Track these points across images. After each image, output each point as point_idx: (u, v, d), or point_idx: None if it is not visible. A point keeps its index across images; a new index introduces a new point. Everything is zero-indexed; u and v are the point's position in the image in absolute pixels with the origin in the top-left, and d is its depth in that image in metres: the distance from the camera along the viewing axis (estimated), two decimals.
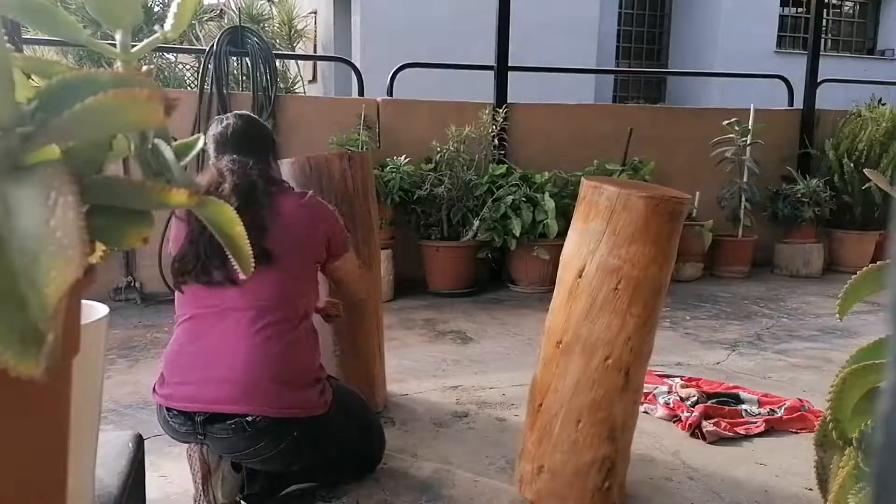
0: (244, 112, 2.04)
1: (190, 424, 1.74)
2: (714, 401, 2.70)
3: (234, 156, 1.83)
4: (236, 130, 1.89)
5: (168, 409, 1.76)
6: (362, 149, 4.40)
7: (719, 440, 2.42)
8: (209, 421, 1.72)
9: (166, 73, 8.17)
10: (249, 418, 1.71)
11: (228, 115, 1.97)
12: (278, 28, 10.36)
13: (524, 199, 4.53)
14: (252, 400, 1.71)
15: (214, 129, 1.92)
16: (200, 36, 8.68)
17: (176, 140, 0.51)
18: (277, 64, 5.06)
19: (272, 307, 1.76)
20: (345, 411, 1.93)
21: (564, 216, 4.37)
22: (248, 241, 0.49)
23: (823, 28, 9.76)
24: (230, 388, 1.70)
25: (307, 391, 1.79)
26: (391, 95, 5.02)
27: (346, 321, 2.49)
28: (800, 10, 13.05)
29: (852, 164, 5.48)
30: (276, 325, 1.76)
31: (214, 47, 4.50)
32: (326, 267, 1.99)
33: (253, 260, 1.65)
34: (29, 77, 0.44)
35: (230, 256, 1.60)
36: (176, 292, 1.84)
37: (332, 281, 2.11)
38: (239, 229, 0.48)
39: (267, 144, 1.96)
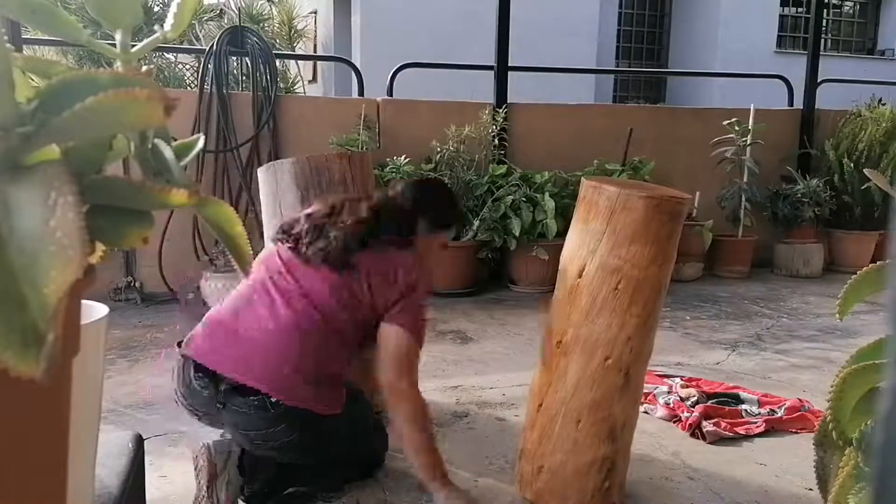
0: (441, 181, 2.23)
1: (212, 389, 1.76)
2: (714, 401, 2.69)
3: (408, 194, 2.00)
4: (418, 183, 2.13)
5: (196, 368, 1.78)
6: (362, 149, 4.40)
7: (719, 440, 2.42)
8: (233, 392, 1.74)
9: (166, 73, 8.17)
10: (273, 399, 1.72)
11: (435, 179, 2.19)
12: (278, 28, 10.36)
13: (524, 199, 4.53)
14: (281, 387, 1.73)
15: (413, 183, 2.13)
16: (200, 36, 8.68)
17: (176, 140, 0.51)
18: (277, 64, 5.06)
19: (326, 307, 1.81)
20: (356, 413, 1.94)
21: (564, 216, 4.36)
22: (248, 241, 0.49)
23: (823, 28, 9.77)
24: (262, 370, 1.73)
25: (330, 390, 1.83)
26: (391, 95, 5.01)
27: None
28: (800, 10, 13.05)
29: (852, 164, 5.48)
30: (321, 324, 1.81)
31: (214, 47, 4.49)
32: (380, 322, 1.90)
33: (321, 255, 1.82)
34: (29, 77, 0.44)
35: (321, 241, 1.79)
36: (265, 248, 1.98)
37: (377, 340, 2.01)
38: (239, 229, 0.48)
39: (437, 217, 2.04)
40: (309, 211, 1.97)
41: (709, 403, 2.65)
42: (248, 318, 1.81)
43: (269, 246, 1.99)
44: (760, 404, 2.71)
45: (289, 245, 1.90)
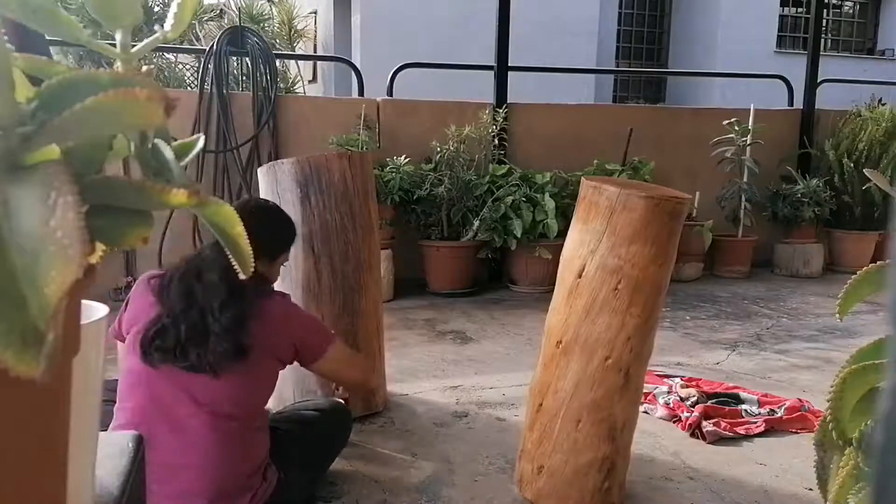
0: (269, 202, 2.03)
1: None
2: (714, 401, 2.70)
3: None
4: (247, 212, 1.83)
5: None
6: (362, 149, 4.40)
7: (719, 440, 2.42)
8: None
9: (166, 73, 8.17)
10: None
11: (251, 199, 1.98)
12: (278, 28, 10.37)
13: (524, 199, 4.53)
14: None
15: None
16: (200, 36, 8.68)
17: (176, 140, 0.51)
18: (277, 64, 5.06)
19: (233, 408, 1.67)
20: (307, 431, 1.94)
21: (564, 216, 4.37)
22: (248, 241, 0.49)
23: (823, 28, 9.77)
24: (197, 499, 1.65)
25: (255, 486, 1.74)
26: (391, 95, 5.01)
27: (345, 321, 2.50)
28: (800, 10, 13.05)
29: (852, 164, 5.48)
30: (233, 426, 1.68)
31: (214, 47, 4.50)
32: (309, 368, 1.88)
33: (226, 356, 1.57)
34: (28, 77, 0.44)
35: (211, 343, 1.51)
36: (125, 366, 1.71)
37: (321, 376, 2.04)
38: (239, 229, 0.48)
39: (274, 245, 1.88)
40: (155, 314, 1.67)
41: (709, 403, 2.65)
42: (165, 458, 1.60)
43: (132, 366, 1.70)
44: (760, 404, 2.71)
45: (182, 363, 1.64)
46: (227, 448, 1.65)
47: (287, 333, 1.78)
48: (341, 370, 1.94)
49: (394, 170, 4.47)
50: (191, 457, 1.63)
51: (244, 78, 4.86)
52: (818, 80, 5.91)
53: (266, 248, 1.82)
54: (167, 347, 1.64)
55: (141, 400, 1.67)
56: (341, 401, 2.13)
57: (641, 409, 2.29)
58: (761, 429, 2.50)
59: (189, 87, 7.57)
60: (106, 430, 1.64)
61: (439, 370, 3.12)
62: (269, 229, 1.87)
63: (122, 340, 1.77)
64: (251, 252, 0.50)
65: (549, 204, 4.51)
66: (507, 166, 4.84)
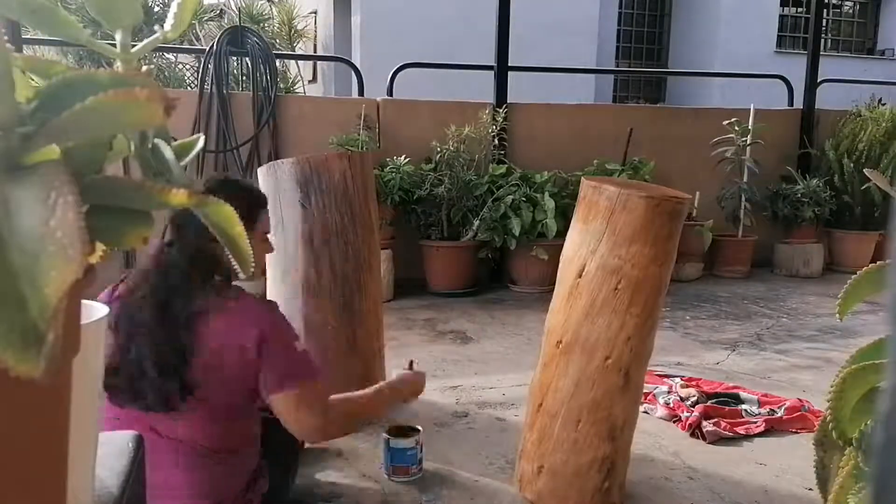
0: (223, 176, 1.79)
1: None
2: (714, 401, 2.70)
3: (166, 245, 1.50)
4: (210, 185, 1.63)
5: None
6: (362, 149, 4.40)
7: (719, 440, 2.42)
8: None
9: (166, 73, 8.17)
10: None
11: (210, 180, 1.69)
12: (278, 28, 10.36)
13: (524, 198, 4.53)
14: None
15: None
16: (200, 36, 8.68)
17: (176, 140, 0.51)
18: (277, 64, 5.06)
19: (211, 443, 1.53)
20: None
21: (564, 216, 4.36)
22: (248, 241, 0.49)
23: (823, 28, 9.77)
24: None
25: (247, 497, 1.64)
26: (391, 95, 5.01)
27: (345, 321, 2.50)
28: (800, 10, 13.05)
29: (852, 164, 5.48)
30: (218, 457, 1.55)
31: (214, 47, 4.50)
32: (267, 399, 1.54)
33: (172, 393, 1.37)
34: (29, 77, 0.44)
35: (157, 383, 1.34)
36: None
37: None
38: (239, 229, 0.48)
39: (246, 208, 1.59)
40: (115, 351, 1.47)
41: (709, 403, 2.65)
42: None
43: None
44: (760, 404, 2.71)
45: (140, 404, 1.46)
46: (205, 480, 1.55)
47: (242, 356, 1.49)
48: (291, 419, 1.54)
49: (394, 170, 4.47)
50: (171, 488, 1.52)
51: (244, 78, 4.86)
52: (818, 80, 5.91)
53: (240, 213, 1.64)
54: (119, 388, 1.46)
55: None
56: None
57: (641, 409, 2.29)
58: (761, 429, 2.50)
59: (189, 87, 7.57)
60: None
61: (439, 370, 3.12)
62: (236, 197, 1.55)
63: None
64: (251, 251, 0.50)
65: (549, 204, 4.51)
66: (507, 166, 4.84)
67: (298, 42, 10.63)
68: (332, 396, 1.61)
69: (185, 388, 1.45)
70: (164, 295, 1.47)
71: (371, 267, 2.57)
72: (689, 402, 2.65)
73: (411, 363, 2.03)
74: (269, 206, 1.83)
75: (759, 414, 2.63)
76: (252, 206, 1.66)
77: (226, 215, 0.47)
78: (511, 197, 4.52)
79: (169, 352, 1.45)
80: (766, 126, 5.35)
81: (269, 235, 1.76)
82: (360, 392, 1.72)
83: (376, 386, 1.79)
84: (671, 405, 2.66)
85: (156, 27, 0.53)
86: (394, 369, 1.96)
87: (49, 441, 0.43)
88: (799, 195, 5.36)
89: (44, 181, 0.32)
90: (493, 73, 5.08)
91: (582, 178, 1.96)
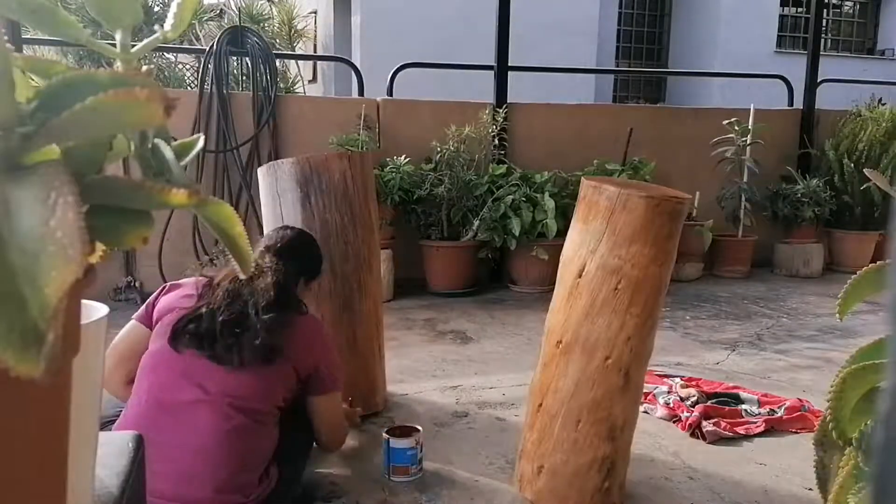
0: (307, 234, 2.13)
1: None
2: (714, 401, 2.70)
3: (278, 260, 1.86)
4: (289, 239, 2.00)
5: None
6: (362, 149, 4.40)
7: (719, 440, 2.42)
8: None
9: (166, 73, 8.17)
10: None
11: (288, 228, 2.10)
12: (278, 28, 10.37)
13: (524, 198, 4.53)
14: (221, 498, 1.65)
15: (273, 235, 2.03)
16: (200, 36, 8.68)
17: (176, 140, 0.51)
18: (277, 64, 5.06)
19: (242, 402, 1.69)
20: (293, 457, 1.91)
21: (564, 216, 4.36)
22: (248, 241, 0.49)
23: (823, 28, 9.77)
24: (201, 490, 1.64)
25: (259, 481, 1.74)
26: (391, 95, 5.01)
27: (345, 321, 2.50)
28: (800, 10, 13.05)
29: (852, 164, 5.48)
30: (242, 420, 1.69)
31: (214, 47, 4.49)
32: (307, 398, 1.88)
33: (257, 353, 1.67)
34: (29, 77, 0.44)
35: (246, 337, 1.64)
36: (149, 348, 1.76)
37: (309, 415, 1.92)
38: (239, 229, 0.48)
39: (315, 267, 2.06)
40: (194, 304, 1.76)
41: (709, 403, 2.65)
42: (172, 441, 1.63)
43: (155, 348, 1.75)
44: (760, 404, 2.71)
45: (207, 352, 1.69)
46: (233, 438, 1.66)
47: (314, 353, 1.84)
48: (332, 418, 1.94)
49: (394, 170, 4.47)
50: (197, 440, 1.64)
51: (244, 78, 4.86)
52: (818, 80, 5.91)
53: (310, 270, 2.03)
54: (199, 333, 1.69)
55: (155, 380, 1.70)
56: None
57: (641, 409, 2.29)
58: (761, 429, 2.50)
59: (189, 87, 7.57)
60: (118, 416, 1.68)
61: (439, 370, 3.12)
62: (312, 253, 2.07)
63: (149, 325, 1.84)
64: (251, 251, 0.50)
65: (549, 204, 4.51)
66: (507, 166, 4.84)
67: (298, 42, 10.63)
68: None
69: (267, 356, 1.69)
70: (283, 287, 1.80)
71: (371, 267, 2.57)
72: (689, 402, 2.65)
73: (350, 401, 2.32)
74: (269, 206, 1.95)
75: (759, 414, 2.63)
76: (320, 266, 2.11)
77: (226, 215, 0.47)
78: (511, 197, 4.52)
79: (275, 324, 1.71)
80: (766, 126, 5.35)
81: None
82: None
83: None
84: (671, 405, 2.66)
85: (156, 27, 0.53)
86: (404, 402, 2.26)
87: (49, 441, 0.43)
88: (799, 195, 5.36)
89: (44, 181, 0.32)
90: (493, 73, 5.08)
91: (582, 178, 1.96)
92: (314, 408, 1.88)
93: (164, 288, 1.91)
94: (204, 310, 1.72)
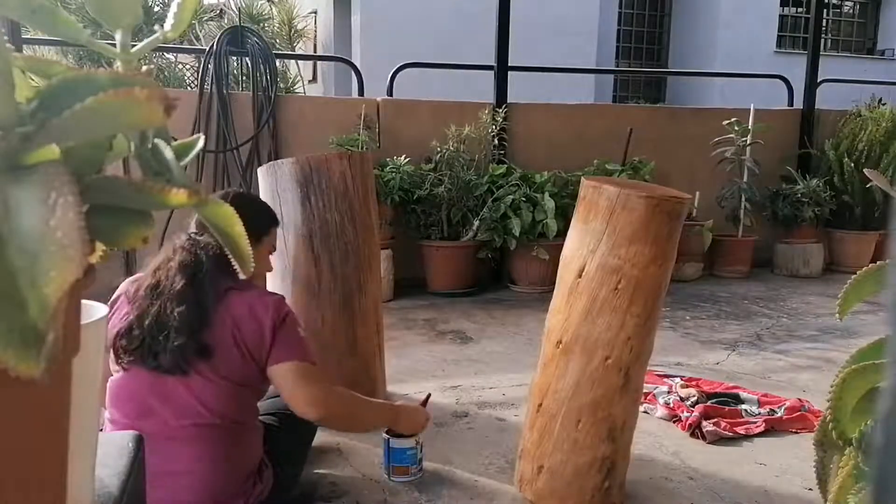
0: (240, 191, 1.96)
1: None
2: (714, 401, 2.69)
3: (194, 233, 1.67)
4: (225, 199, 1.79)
5: None
6: (362, 149, 4.40)
7: (719, 440, 2.42)
8: None
9: (166, 73, 8.17)
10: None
11: (227, 191, 1.88)
12: (278, 28, 10.37)
13: (524, 199, 4.53)
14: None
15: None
16: (200, 36, 8.68)
17: (176, 140, 0.51)
18: (277, 64, 5.06)
19: (215, 413, 1.61)
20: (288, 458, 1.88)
21: (564, 216, 4.36)
22: (247, 241, 0.49)
23: (823, 28, 9.77)
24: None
25: (251, 489, 1.71)
26: (391, 95, 5.01)
27: (345, 321, 2.50)
28: (800, 10, 13.05)
29: (852, 164, 5.48)
30: (220, 432, 1.62)
31: (214, 47, 4.49)
32: (267, 370, 1.66)
33: (184, 352, 1.51)
34: (29, 77, 0.44)
35: (176, 341, 1.48)
36: (108, 382, 1.64)
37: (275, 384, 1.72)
38: (238, 229, 0.48)
39: (254, 224, 1.79)
40: (125, 313, 1.62)
41: (709, 403, 2.64)
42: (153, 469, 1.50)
43: (114, 383, 1.64)
44: (760, 404, 2.71)
45: (151, 364, 1.57)
46: (216, 454, 1.61)
47: (259, 326, 1.63)
48: (290, 391, 1.66)
49: (394, 170, 4.47)
50: (179, 464, 1.58)
51: (244, 78, 4.86)
52: (818, 80, 5.91)
53: (247, 228, 1.75)
54: (132, 348, 1.57)
55: (119, 416, 1.61)
56: None
57: (641, 409, 2.29)
58: (761, 429, 2.50)
59: (189, 87, 7.57)
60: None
61: (439, 370, 3.12)
62: (249, 210, 1.74)
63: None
64: (251, 251, 0.50)
65: (549, 204, 4.51)
66: (507, 166, 4.84)
67: (298, 42, 10.63)
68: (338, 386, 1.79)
69: (200, 351, 1.57)
70: (193, 270, 1.62)
71: (371, 267, 2.57)
72: (689, 402, 2.65)
73: (428, 397, 2.19)
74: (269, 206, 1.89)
75: (759, 414, 2.63)
76: (269, 222, 1.89)
77: (225, 215, 0.47)
78: (511, 197, 4.52)
79: (191, 315, 1.55)
80: (766, 126, 5.35)
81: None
82: (367, 397, 1.93)
83: (384, 400, 1.95)
84: (671, 405, 2.66)
85: (156, 27, 0.53)
86: (408, 400, 2.18)
87: (49, 441, 0.43)
88: (799, 195, 5.35)
89: (44, 181, 0.32)
90: (493, 73, 5.08)
91: (582, 178, 1.96)
92: (272, 378, 1.67)
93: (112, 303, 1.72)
94: (131, 318, 1.59)
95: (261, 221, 1.85)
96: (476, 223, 4.50)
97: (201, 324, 1.58)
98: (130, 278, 1.73)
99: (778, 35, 12.81)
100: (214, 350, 1.59)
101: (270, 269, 1.96)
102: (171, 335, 1.55)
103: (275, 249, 1.94)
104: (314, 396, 1.65)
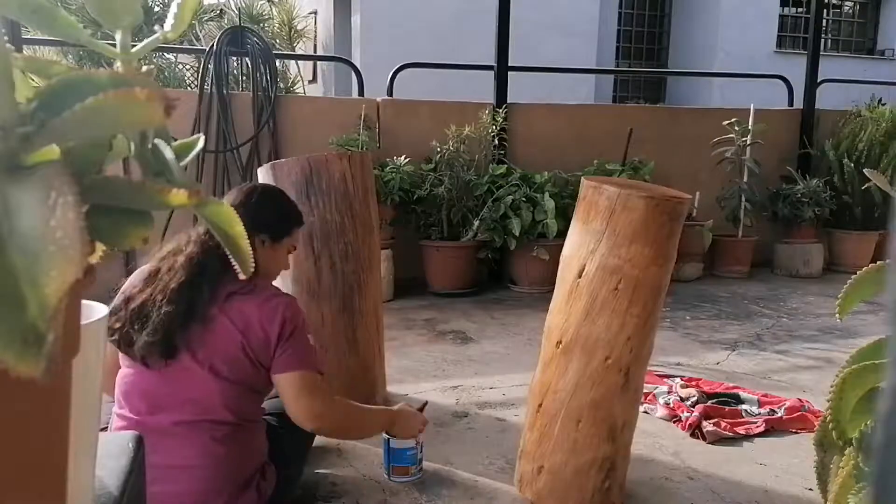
0: (268, 186, 1.93)
1: None
2: (714, 401, 2.70)
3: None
4: (240, 196, 1.76)
5: None
6: (362, 149, 4.40)
7: (719, 440, 2.42)
8: None
9: (166, 73, 8.17)
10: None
11: (256, 185, 1.85)
12: (278, 28, 10.38)
13: (524, 199, 4.53)
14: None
15: (235, 194, 1.78)
16: (200, 36, 8.68)
17: (176, 140, 0.51)
18: (277, 64, 5.06)
19: (220, 413, 1.62)
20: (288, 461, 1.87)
21: (564, 216, 4.36)
22: (248, 241, 0.49)
23: (823, 28, 9.77)
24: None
25: (255, 488, 1.70)
26: (391, 95, 5.01)
27: (345, 321, 2.50)
28: (800, 10, 13.05)
29: (852, 164, 5.48)
30: (225, 430, 1.63)
31: (214, 47, 4.49)
32: (272, 377, 1.67)
33: (151, 349, 1.50)
34: (29, 77, 0.44)
35: (149, 336, 1.47)
36: (118, 376, 1.64)
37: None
38: (239, 229, 0.48)
39: (276, 221, 1.78)
40: (129, 292, 1.61)
41: (709, 403, 2.65)
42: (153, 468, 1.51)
43: (121, 377, 1.65)
44: (760, 404, 2.71)
45: (125, 349, 1.58)
46: (223, 450, 1.62)
47: (265, 335, 1.62)
48: (293, 402, 1.66)
49: (394, 170, 4.47)
50: (187, 459, 1.60)
51: (244, 78, 4.86)
52: (818, 80, 5.91)
53: (269, 226, 1.74)
54: (114, 328, 1.55)
55: (136, 406, 1.62)
56: None
57: (641, 409, 2.29)
58: (761, 429, 2.50)
59: (189, 87, 7.57)
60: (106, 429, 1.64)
61: (439, 370, 3.12)
62: (272, 206, 1.81)
63: None
64: (251, 252, 0.50)
65: (549, 204, 4.51)
66: (507, 166, 4.84)
67: (298, 42, 10.64)
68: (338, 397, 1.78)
69: (167, 353, 1.55)
70: (198, 269, 1.59)
71: (371, 267, 2.57)
72: (689, 402, 2.65)
73: (425, 405, 2.19)
74: None
75: (760, 414, 2.63)
76: (293, 223, 1.85)
77: (225, 215, 0.47)
78: (511, 197, 4.52)
79: (176, 318, 1.55)
80: (766, 126, 5.35)
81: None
82: (365, 405, 1.95)
83: (381, 406, 1.94)
84: (671, 405, 2.66)
85: (156, 27, 0.53)
86: (407, 401, 2.22)
87: (49, 441, 0.43)
88: (799, 195, 5.35)
89: (44, 181, 0.32)
90: (493, 73, 5.08)
91: (582, 178, 1.96)
92: (277, 385, 1.68)
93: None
94: (118, 300, 1.59)
95: (284, 221, 1.82)
96: (476, 223, 4.50)
97: (182, 327, 1.56)
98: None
99: (778, 35, 12.81)
100: (175, 354, 1.57)
101: (287, 268, 1.91)
102: (148, 328, 1.54)
103: (295, 248, 1.91)
104: (313, 411, 1.66)
